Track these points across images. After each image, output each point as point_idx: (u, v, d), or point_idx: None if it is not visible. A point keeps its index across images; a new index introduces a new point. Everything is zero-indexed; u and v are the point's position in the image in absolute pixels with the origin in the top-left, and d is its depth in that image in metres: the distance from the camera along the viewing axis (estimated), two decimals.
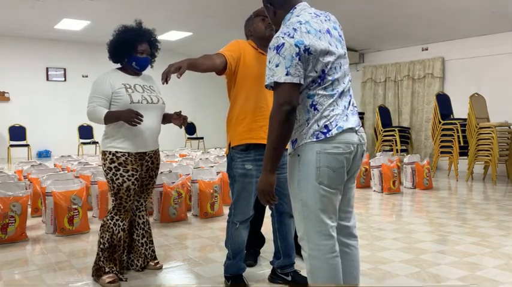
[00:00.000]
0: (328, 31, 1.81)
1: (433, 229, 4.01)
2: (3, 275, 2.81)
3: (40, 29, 9.50)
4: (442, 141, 7.52)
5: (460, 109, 8.04)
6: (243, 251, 2.54)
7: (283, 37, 1.72)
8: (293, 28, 1.74)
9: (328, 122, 1.75)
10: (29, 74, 10.62)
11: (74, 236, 3.71)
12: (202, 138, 12.32)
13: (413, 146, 9.27)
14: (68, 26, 8.99)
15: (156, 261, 2.92)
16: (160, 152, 9.21)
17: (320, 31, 1.77)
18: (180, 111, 2.83)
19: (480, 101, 7.41)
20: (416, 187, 6.30)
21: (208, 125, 12.81)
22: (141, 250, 2.85)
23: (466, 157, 7.34)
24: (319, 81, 1.76)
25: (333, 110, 1.76)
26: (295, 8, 1.85)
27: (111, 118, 2.60)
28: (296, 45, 1.70)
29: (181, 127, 2.84)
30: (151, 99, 2.73)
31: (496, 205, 5.16)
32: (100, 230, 2.69)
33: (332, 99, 1.77)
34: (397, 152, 8.41)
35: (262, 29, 2.50)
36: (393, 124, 9.47)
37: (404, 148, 8.98)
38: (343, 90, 1.81)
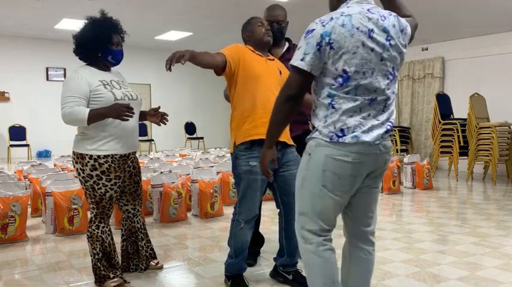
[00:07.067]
0: (370, 32, 1.65)
1: (433, 229, 4.01)
2: (3, 275, 2.81)
3: (40, 29, 9.50)
4: (442, 141, 7.52)
5: (460, 109, 8.05)
6: (245, 251, 2.54)
7: (317, 23, 1.67)
8: (331, 17, 1.66)
9: (346, 127, 1.67)
10: (29, 74, 10.62)
11: (74, 236, 3.71)
12: (202, 138, 12.32)
13: (413, 146, 9.27)
14: (68, 26, 8.98)
15: (156, 261, 2.92)
16: (160, 152, 9.14)
17: (358, 29, 1.63)
18: (159, 107, 2.70)
19: (480, 101, 7.41)
20: (416, 187, 6.30)
21: (208, 125, 12.82)
22: (143, 252, 2.84)
23: (466, 157, 7.34)
24: (341, 81, 1.66)
25: (351, 116, 1.67)
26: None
27: (96, 117, 2.35)
28: (321, 36, 1.63)
29: (159, 125, 2.72)
30: (131, 95, 2.56)
31: (496, 205, 5.16)
32: (88, 241, 2.56)
33: (353, 104, 1.67)
34: (397, 152, 8.41)
35: (260, 34, 2.53)
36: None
37: (404, 147, 8.99)
38: (376, 99, 1.69)
